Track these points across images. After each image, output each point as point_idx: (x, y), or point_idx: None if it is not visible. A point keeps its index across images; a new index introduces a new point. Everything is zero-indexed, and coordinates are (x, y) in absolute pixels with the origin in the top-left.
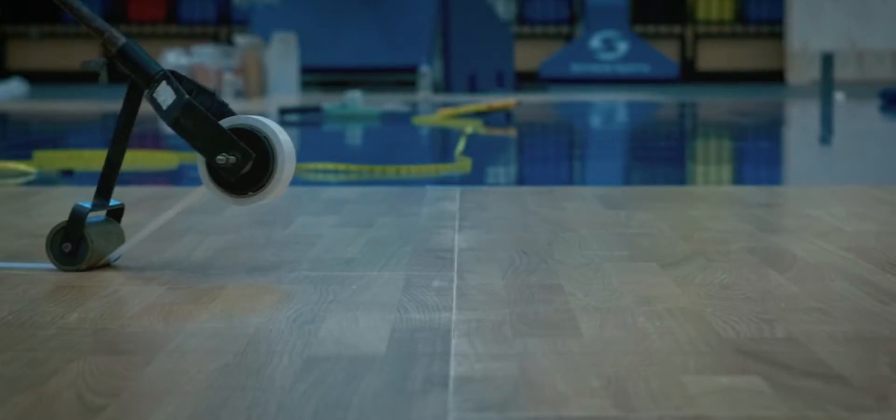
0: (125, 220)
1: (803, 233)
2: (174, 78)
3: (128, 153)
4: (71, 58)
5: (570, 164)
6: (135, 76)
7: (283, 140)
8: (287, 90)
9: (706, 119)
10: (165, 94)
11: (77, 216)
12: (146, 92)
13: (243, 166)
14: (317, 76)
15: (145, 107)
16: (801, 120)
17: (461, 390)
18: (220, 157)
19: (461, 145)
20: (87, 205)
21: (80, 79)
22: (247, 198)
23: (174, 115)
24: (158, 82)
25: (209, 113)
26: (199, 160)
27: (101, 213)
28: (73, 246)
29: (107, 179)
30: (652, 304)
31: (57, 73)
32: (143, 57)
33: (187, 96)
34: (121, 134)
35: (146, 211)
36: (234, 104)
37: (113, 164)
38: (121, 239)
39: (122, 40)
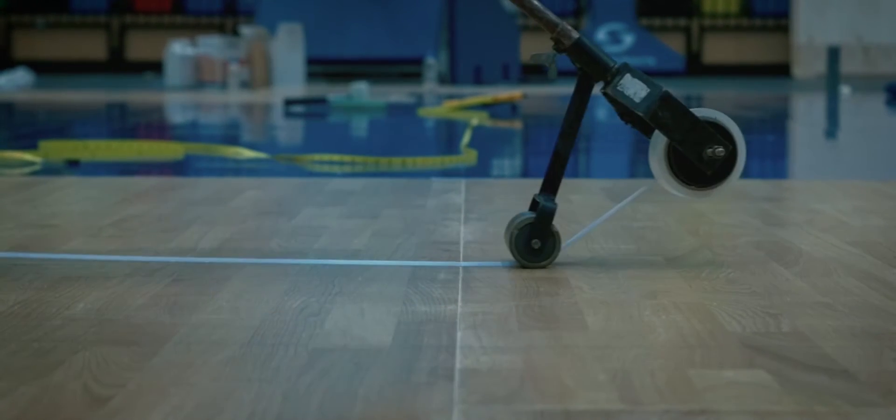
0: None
1: (809, 227)
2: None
3: (133, 143)
4: (77, 48)
5: (575, 156)
6: (590, 70)
7: (740, 131)
8: (293, 81)
9: None
10: (635, 87)
11: (547, 213)
12: (602, 86)
13: (724, 159)
14: (322, 67)
15: (142, 98)
16: (806, 114)
17: (467, 383)
18: (708, 149)
19: (467, 137)
20: (553, 203)
21: (84, 69)
22: (702, 190)
23: (652, 108)
24: (621, 75)
25: None
26: (653, 152)
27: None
28: (542, 242)
29: (555, 174)
30: (658, 297)
31: (63, 62)
32: (598, 51)
33: (664, 88)
34: (570, 128)
35: (152, 201)
36: (239, 95)
37: (561, 158)
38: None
39: (577, 34)
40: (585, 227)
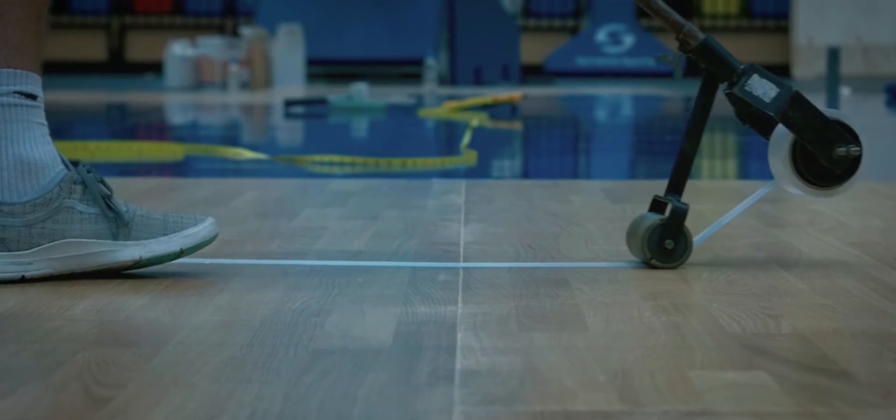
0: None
1: (809, 228)
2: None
3: (132, 144)
4: (76, 48)
5: (575, 157)
6: (717, 71)
7: (862, 132)
8: (293, 82)
9: (712, 113)
10: (764, 87)
11: (680, 213)
12: (726, 87)
13: (856, 158)
14: (322, 68)
15: (142, 99)
16: None
17: (467, 384)
18: (841, 149)
19: (467, 138)
20: (684, 203)
21: (83, 69)
22: (827, 190)
23: (783, 108)
24: (748, 76)
25: None
26: (776, 152)
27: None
28: (675, 243)
29: (681, 174)
30: (658, 299)
31: (62, 63)
32: (725, 52)
33: (795, 88)
34: (695, 128)
35: (152, 202)
36: (239, 96)
37: (687, 158)
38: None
39: (703, 36)
40: (712, 225)
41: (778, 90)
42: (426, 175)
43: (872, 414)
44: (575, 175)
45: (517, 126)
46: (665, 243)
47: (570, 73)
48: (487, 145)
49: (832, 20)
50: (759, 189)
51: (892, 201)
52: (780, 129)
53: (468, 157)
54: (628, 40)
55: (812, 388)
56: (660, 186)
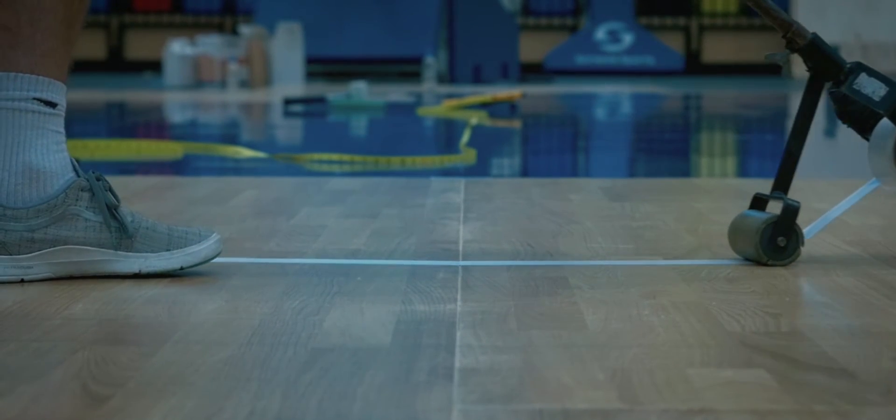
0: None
1: (808, 226)
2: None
3: (132, 143)
4: (75, 47)
5: (574, 155)
6: (823, 69)
7: None
8: (292, 80)
9: (711, 111)
10: (873, 86)
11: (792, 211)
12: (831, 85)
13: None
14: (321, 66)
15: (141, 97)
16: None
17: (466, 382)
18: None
19: (466, 136)
20: (795, 200)
21: (82, 68)
22: None
23: (894, 106)
24: (856, 74)
25: None
26: (880, 151)
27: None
28: (787, 240)
29: (787, 173)
30: (657, 297)
31: None
32: (832, 50)
33: None
34: (801, 128)
35: (151, 200)
36: (238, 94)
37: (794, 157)
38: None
39: (811, 34)
40: (819, 219)
41: (888, 89)
42: (425, 173)
43: (871, 412)
44: (574, 173)
45: (516, 124)
46: (777, 241)
47: (570, 72)
48: (486, 144)
49: (831, 18)
50: (861, 187)
51: (890, 199)
52: (882, 128)
53: (467, 156)
54: (627, 38)
55: (811, 385)
56: (658, 185)
